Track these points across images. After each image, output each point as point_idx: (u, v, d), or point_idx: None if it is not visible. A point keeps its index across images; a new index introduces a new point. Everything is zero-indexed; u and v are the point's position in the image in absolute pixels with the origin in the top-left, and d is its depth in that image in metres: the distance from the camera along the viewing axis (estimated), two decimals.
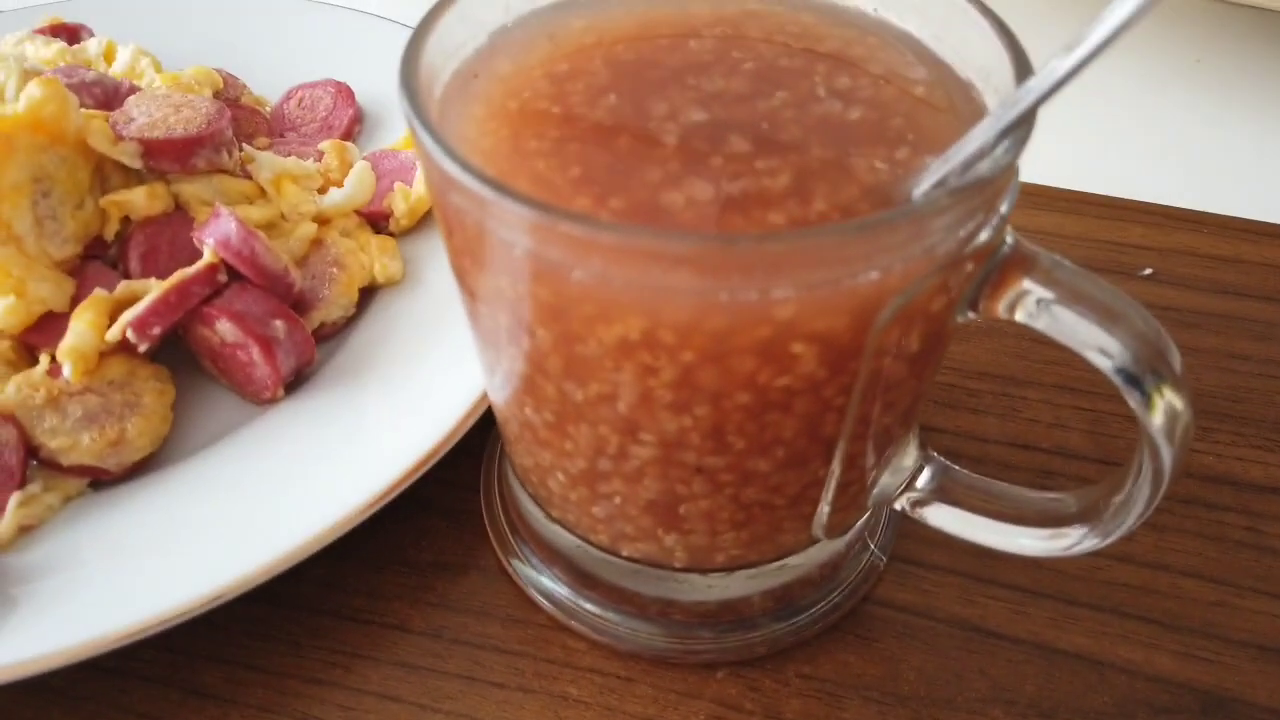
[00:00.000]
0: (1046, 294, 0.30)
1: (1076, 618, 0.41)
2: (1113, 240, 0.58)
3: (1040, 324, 0.30)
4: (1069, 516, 0.35)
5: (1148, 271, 0.56)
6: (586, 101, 0.33)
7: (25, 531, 0.41)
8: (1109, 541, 0.34)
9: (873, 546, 0.43)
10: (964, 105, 0.33)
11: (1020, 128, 0.27)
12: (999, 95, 0.32)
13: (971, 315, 0.31)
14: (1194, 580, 0.42)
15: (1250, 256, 0.57)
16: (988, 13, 0.33)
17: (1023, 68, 0.30)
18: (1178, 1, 0.75)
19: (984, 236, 0.29)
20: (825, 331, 0.28)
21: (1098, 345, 0.30)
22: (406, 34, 0.64)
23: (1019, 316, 0.31)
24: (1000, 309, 0.31)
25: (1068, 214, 0.60)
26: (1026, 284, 0.30)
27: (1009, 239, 0.30)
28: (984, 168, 0.27)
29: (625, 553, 0.39)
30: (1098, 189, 0.62)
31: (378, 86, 0.63)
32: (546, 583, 0.43)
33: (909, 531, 0.44)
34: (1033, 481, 0.46)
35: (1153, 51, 0.75)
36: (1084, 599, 0.42)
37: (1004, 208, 0.30)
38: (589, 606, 0.42)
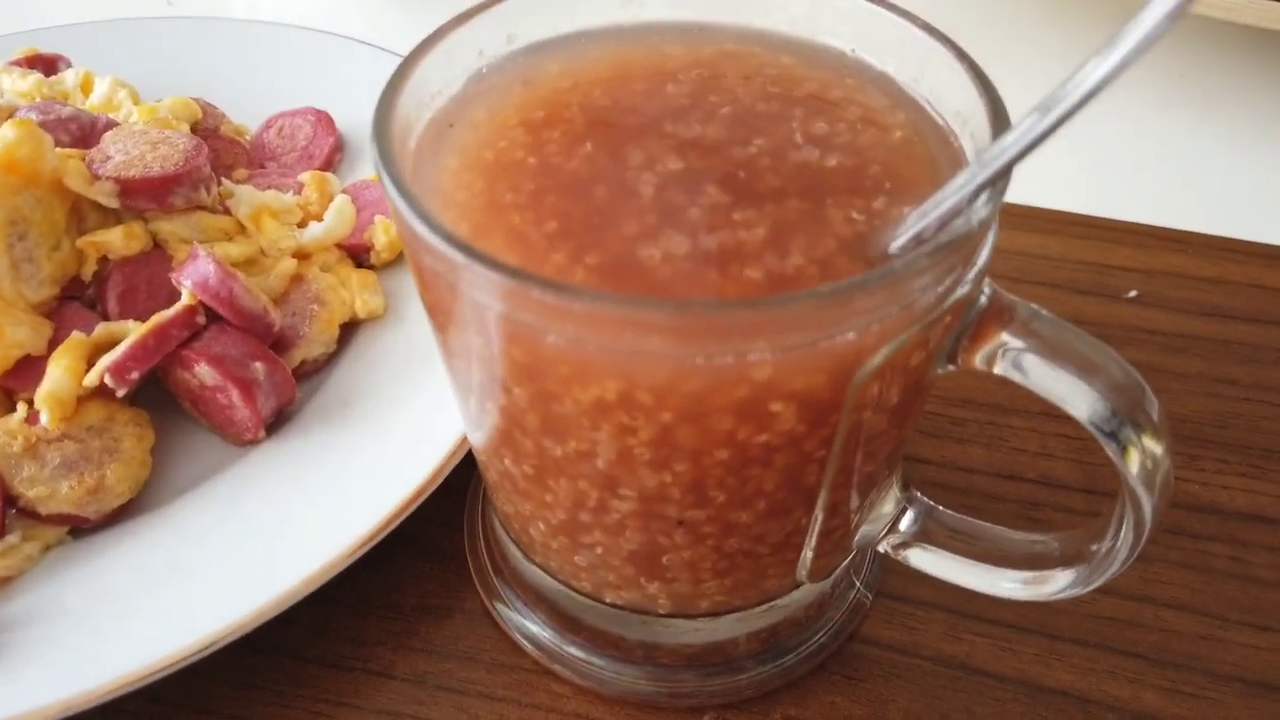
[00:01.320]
0: (1023, 346, 0.30)
1: (1062, 654, 0.41)
2: (1097, 262, 0.58)
3: (1018, 377, 0.30)
4: (1052, 559, 0.35)
5: (1133, 294, 0.56)
6: (562, 151, 0.32)
7: (4, 583, 0.41)
8: (1092, 588, 0.34)
9: (858, 584, 0.43)
10: (941, 152, 0.33)
11: (997, 183, 0.27)
12: (975, 142, 0.32)
13: (950, 367, 0.31)
14: (1179, 613, 0.42)
15: (1236, 277, 0.57)
16: (964, 57, 0.32)
17: (999, 118, 0.30)
18: None
19: (962, 290, 0.29)
20: (803, 390, 0.28)
21: (1075, 398, 0.30)
22: (386, 59, 0.65)
23: (997, 369, 0.31)
24: (978, 361, 0.31)
25: (1050, 234, 0.60)
26: (1004, 336, 0.30)
27: (986, 290, 0.30)
28: (961, 224, 0.27)
29: (609, 599, 0.38)
30: (1079, 208, 0.61)
31: (358, 113, 0.62)
32: (531, 627, 0.42)
33: (893, 566, 0.43)
34: (1019, 513, 0.46)
35: (1135, 67, 0.74)
36: (1069, 634, 0.42)
37: (981, 260, 0.29)
38: (573, 651, 0.41)
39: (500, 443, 0.34)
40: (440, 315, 0.31)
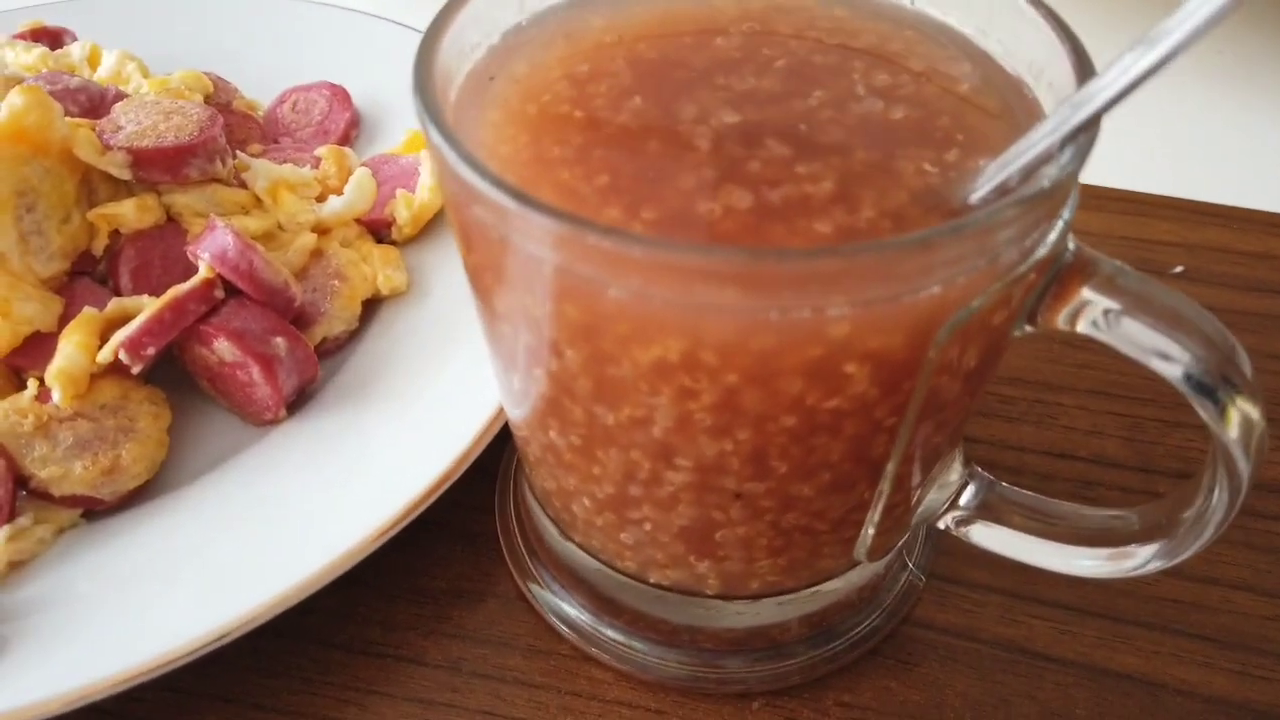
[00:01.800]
0: (1111, 304, 0.28)
1: (1126, 636, 0.39)
2: (1139, 237, 0.56)
3: (1105, 335, 0.28)
4: (1133, 534, 0.33)
5: (1179, 269, 0.55)
6: (610, 104, 0.31)
7: (16, 567, 0.39)
8: (1179, 560, 0.32)
9: (911, 565, 0.41)
10: (1016, 104, 0.31)
11: (1086, 131, 0.25)
12: (1055, 93, 0.30)
13: (1029, 329, 0.29)
14: (1246, 594, 0.41)
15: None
16: (1039, 4, 0.30)
17: (1084, 66, 0.28)
18: None
19: (1047, 246, 0.27)
20: (880, 350, 0.26)
21: (1166, 355, 0.28)
22: (401, 32, 0.63)
23: (1081, 328, 0.29)
24: (1060, 320, 0.29)
25: (1091, 210, 0.58)
26: (1088, 294, 0.28)
27: (1070, 246, 0.28)
28: (1048, 174, 0.25)
29: (654, 579, 0.37)
30: (1117, 183, 0.60)
31: (374, 87, 0.61)
32: (567, 609, 0.40)
33: (947, 547, 0.42)
34: (1073, 493, 0.44)
35: None
36: (1132, 616, 0.40)
37: (1066, 214, 0.28)
38: (612, 634, 0.40)
39: (546, 413, 0.32)
40: (487, 274, 0.29)
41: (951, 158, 0.29)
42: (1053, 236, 0.27)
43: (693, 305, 0.25)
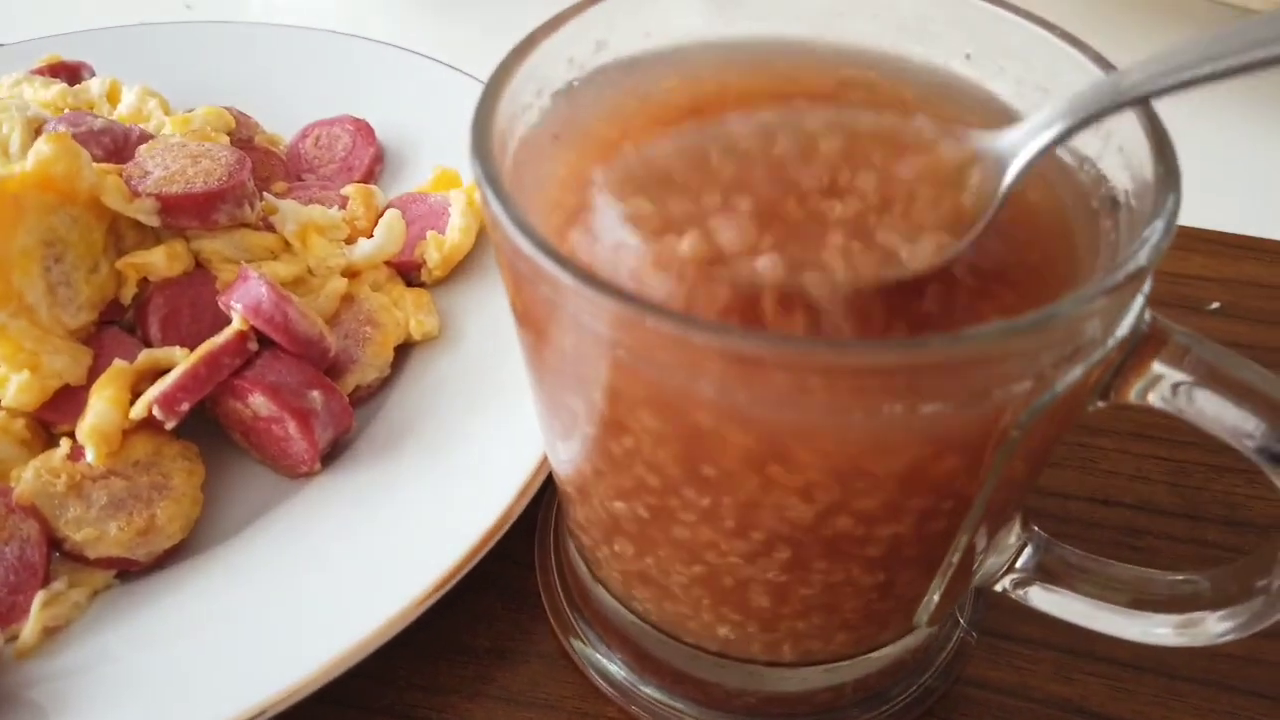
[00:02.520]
0: (1183, 377, 0.28)
1: (1181, 694, 0.39)
2: (1175, 272, 0.56)
3: (1180, 410, 0.28)
4: (1203, 601, 0.32)
5: (1215, 305, 0.54)
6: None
7: (51, 634, 0.38)
8: (1254, 630, 0.31)
9: (963, 622, 0.40)
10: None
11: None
12: (1125, 157, 0.29)
13: (1101, 404, 0.29)
14: None
15: None
16: (1104, 62, 0.30)
17: (1158, 131, 0.28)
18: (1223, 14, 0.73)
19: (1129, 322, 0.26)
20: (966, 439, 0.25)
21: (1241, 429, 0.27)
22: (422, 63, 0.62)
23: (1153, 401, 0.28)
24: (1133, 394, 0.28)
25: None
26: (1159, 367, 0.28)
27: (1146, 317, 0.28)
28: (1144, 255, 0.24)
29: (711, 647, 0.36)
30: None
31: (396, 121, 0.60)
32: (611, 667, 0.40)
33: (996, 601, 0.41)
34: (1119, 541, 0.44)
35: None
36: (1187, 673, 0.39)
37: (1146, 288, 0.27)
38: (654, 694, 0.39)
39: (600, 482, 0.31)
40: (546, 350, 0.29)
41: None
42: (1134, 312, 0.26)
43: (779, 402, 0.24)
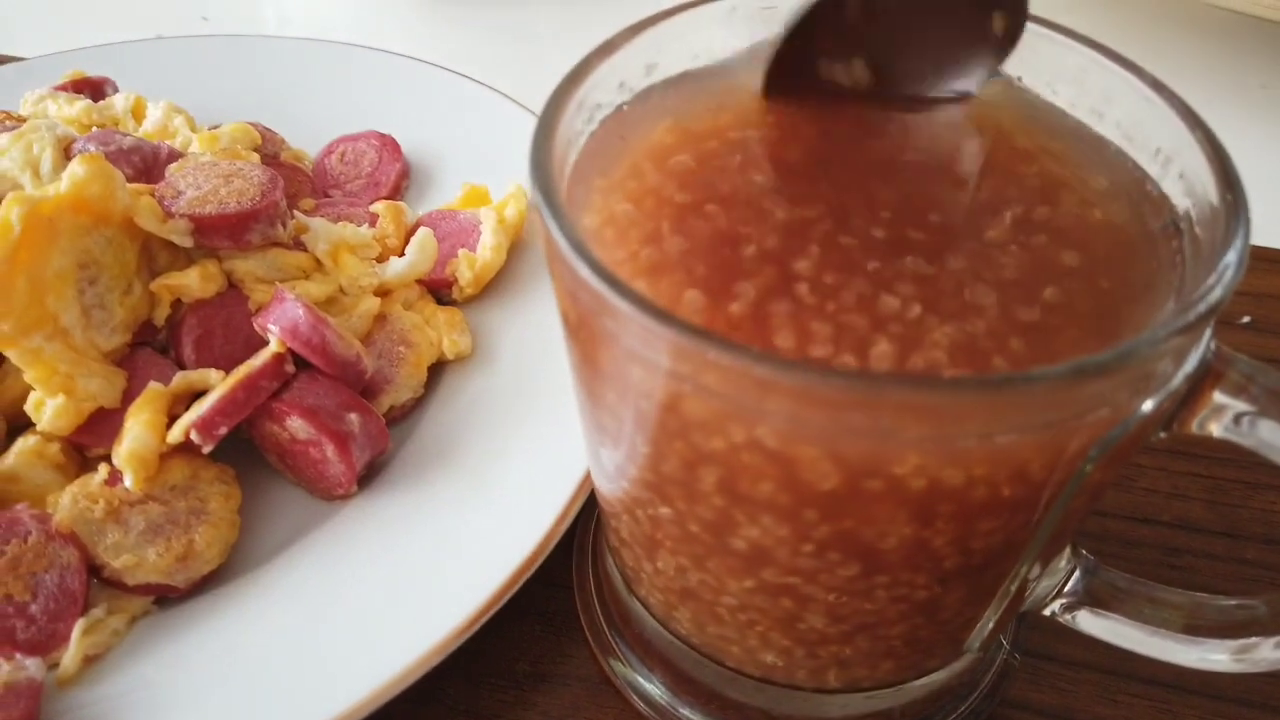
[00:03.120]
0: (1245, 407, 0.27)
1: (1226, 715, 0.39)
2: None
3: (1247, 441, 0.27)
4: (1260, 626, 0.32)
5: (1246, 320, 0.54)
6: (749, 209, 0.29)
7: (91, 662, 0.38)
8: None
9: (1006, 645, 0.40)
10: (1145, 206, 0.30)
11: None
12: (1186, 184, 0.29)
13: (1162, 435, 0.29)
14: None
15: None
16: (1164, 89, 0.30)
17: (1219, 153, 0.28)
18: (1238, 25, 0.73)
19: (1198, 356, 0.26)
20: (1037, 472, 0.25)
21: None
22: (447, 77, 0.62)
23: (1216, 432, 0.28)
24: (1194, 425, 0.28)
25: None
26: (1220, 398, 0.27)
27: (1212, 347, 0.28)
28: (1218, 291, 0.24)
29: (753, 671, 0.36)
30: None
31: (421, 135, 0.59)
32: (651, 689, 0.39)
33: (1037, 623, 0.41)
34: (1159, 560, 0.44)
35: (1215, 78, 0.72)
36: (1231, 693, 0.39)
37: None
38: (694, 716, 0.39)
39: (652, 506, 0.31)
40: (602, 383, 0.28)
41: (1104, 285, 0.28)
42: (1203, 346, 0.26)
43: (847, 432, 0.24)
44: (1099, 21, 0.76)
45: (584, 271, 0.25)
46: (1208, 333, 0.26)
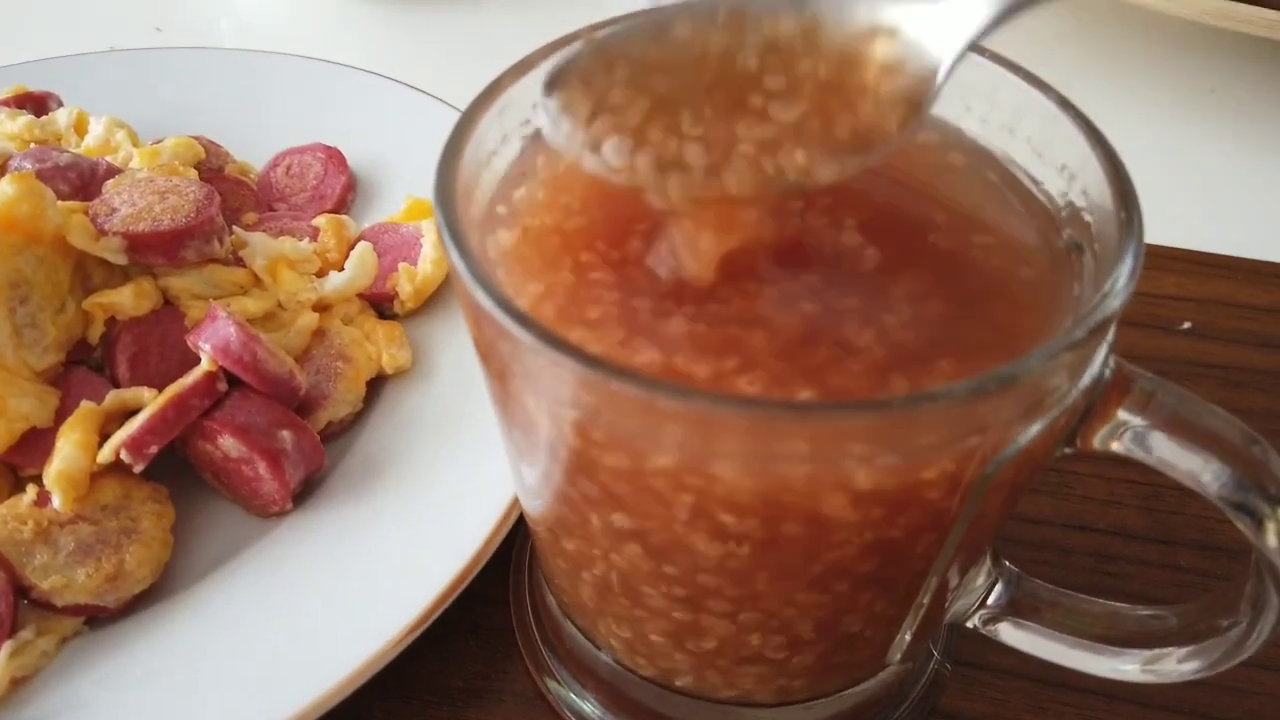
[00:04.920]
0: (1146, 423, 0.28)
1: None
2: (1147, 292, 0.56)
3: (1141, 455, 0.28)
4: (1170, 636, 0.32)
5: (1187, 325, 0.54)
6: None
7: (18, 684, 0.38)
8: (1220, 669, 0.31)
9: (935, 654, 0.40)
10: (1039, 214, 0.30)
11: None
12: (1089, 199, 0.29)
13: (1067, 450, 0.29)
14: (1274, 674, 0.40)
15: None
16: (1069, 107, 0.30)
17: (1118, 171, 0.28)
18: (1188, 30, 0.73)
19: (1094, 371, 0.26)
20: (933, 489, 0.25)
21: (1200, 474, 0.27)
22: (394, 88, 0.62)
23: (1116, 448, 0.28)
24: (1097, 441, 0.28)
25: None
26: (1123, 414, 0.28)
27: (1110, 364, 0.28)
28: (1107, 307, 0.24)
29: (683, 687, 0.36)
30: None
31: (368, 148, 0.59)
32: (585, 707, 0.40)
33: (968, 632, 0.41)
34: (1094, 568, 0.44)
35: (1165, 81, 0.73)
36: (1160, 700, 0.40)
37: (1110, 336, 0.27)
38: None
39: (568, 525, 0.31)
40: (513, 400, 0.29)
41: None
42: (1099, 361, 0.27)
43: (743, 455, 0.24)
44: (1051, 29, 0.77)
45: (484, 301, 0.25)
46: (1103, 349, 0.27)
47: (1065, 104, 0.30)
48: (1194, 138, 0.70)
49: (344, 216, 0.53)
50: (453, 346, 0.49)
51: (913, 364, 0.25)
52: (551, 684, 0.40)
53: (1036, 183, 0.31)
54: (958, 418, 0.24)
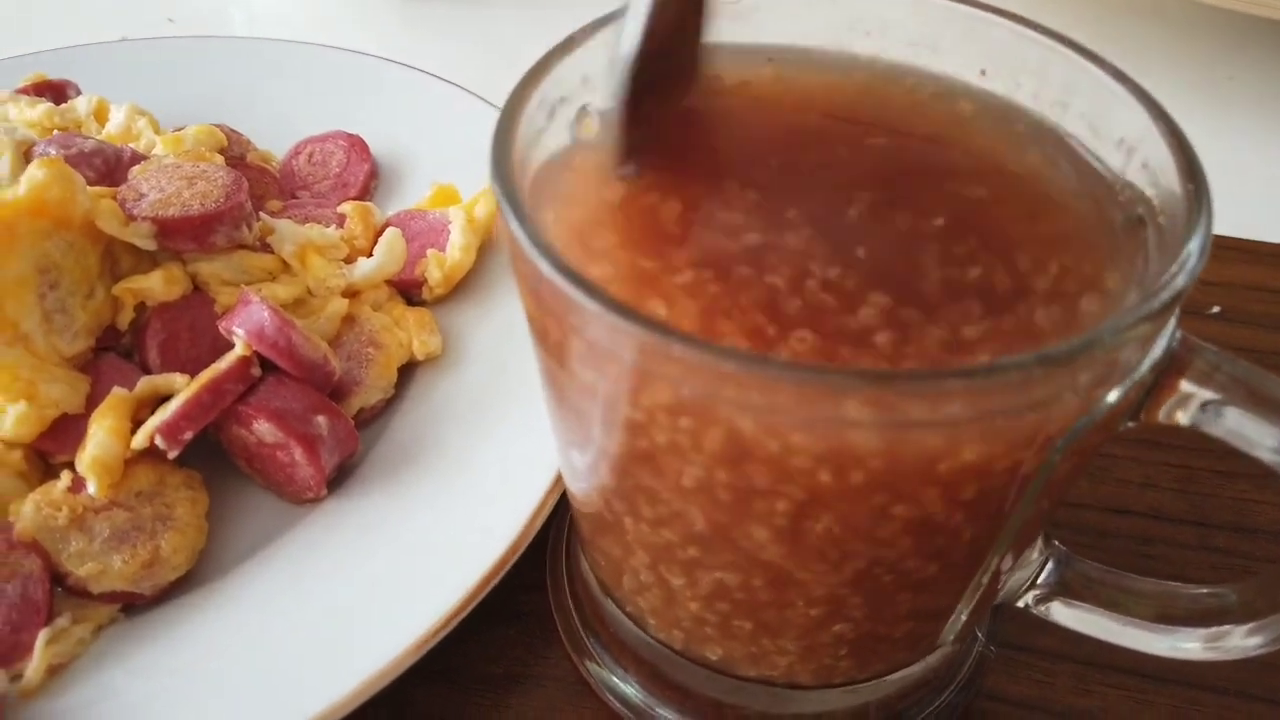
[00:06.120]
0: (1211, 395, 0.27)
1: (1201, 704, 0.39)
2: None
3: (1212, 428, 0.28)
4: (1231, 614, 0.32)
5: (1216, 310, 0.54)
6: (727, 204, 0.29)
7: (55, 672, 0.37)
8: None
9: (981, 637, 0.40)
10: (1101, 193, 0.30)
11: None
12: (1150, 174, 0.29)
13: (1130, 424, 0.29)
14: None
15: None
16: (1127, 80, 0.30)
17: (1181, 142, 0.28)
18: (1204, 16, 0.73)
19: (1164, 344, 0.26)
20: (1005, 462, 0.25)
21: (1272, 446, 0.27)
22: (414, 76, 0.61)
23: (1182, 420, 0.28)
24: (1161, 414, 0.28)
25: None
26: (1187, 386, 0.27)
27: (1177, 335, 0.28)
28: (1182, 279, 0.24)
29: (727, 669, 0.35)
30: None
31: (389, 136, 0.59)
32: (627, 690, 0.39)
33: (1012, 614, 0.41)
34: (1133, 550, 0.44)
35: (1182, 69, 0.73)
36: (1206, 682, 0.39)
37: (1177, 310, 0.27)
38: (671, 716, 0.38)
39: (623, 500, 0.30)
40: (569, 370, 0.28)
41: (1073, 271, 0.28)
42: (1168, 335, 0.26)
43: (810, 425, 0.24)
44: (1065, 14, 0.77)
45: (546, 269, 0.25)
46: (1172, 321, 0.26)
47: (1121, 76, 0.30)
48: (1212, 125, 0.70)
49: (369, 204, 0.53)
50: (482, 332, 0.49)
51: (989, 337, 0.25)
52: (593, 667, 0.40)
53: (1095, 156, 0.31)
54: (1029, 390, 0.23)
